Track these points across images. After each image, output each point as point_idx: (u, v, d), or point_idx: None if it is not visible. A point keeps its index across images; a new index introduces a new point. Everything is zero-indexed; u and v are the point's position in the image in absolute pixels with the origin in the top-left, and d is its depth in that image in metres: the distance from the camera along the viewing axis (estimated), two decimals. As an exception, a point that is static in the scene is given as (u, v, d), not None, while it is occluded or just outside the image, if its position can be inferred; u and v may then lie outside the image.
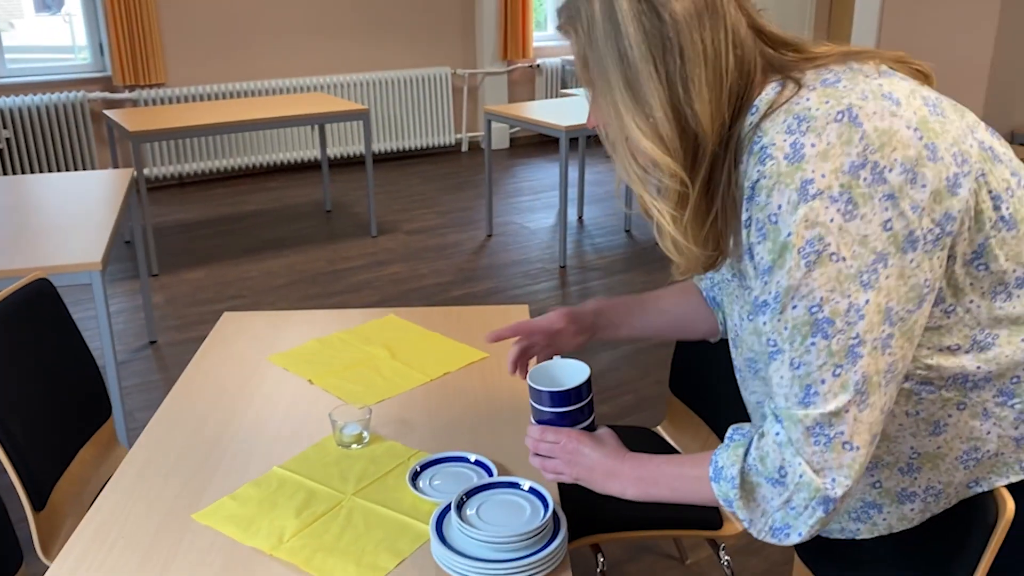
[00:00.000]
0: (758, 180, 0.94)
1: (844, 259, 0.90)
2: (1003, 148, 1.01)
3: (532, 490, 1.27)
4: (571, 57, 5.79)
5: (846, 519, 1.16)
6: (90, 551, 1.26)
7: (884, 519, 1.13)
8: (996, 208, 0.96)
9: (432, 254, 4.77)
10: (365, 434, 1.51)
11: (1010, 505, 1.04)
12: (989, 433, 1.05)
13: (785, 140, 0.93)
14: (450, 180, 6.32)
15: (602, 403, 3.17)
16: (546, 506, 1.23)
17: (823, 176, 0.90)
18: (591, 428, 1.22)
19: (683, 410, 2.02)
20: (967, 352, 1.00)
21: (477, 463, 1.42)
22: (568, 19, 1.03)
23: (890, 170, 0.90)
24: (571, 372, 1.26)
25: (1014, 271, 0.98)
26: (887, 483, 1.11)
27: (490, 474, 1.39)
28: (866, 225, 0.90)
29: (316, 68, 6.43)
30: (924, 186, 0.91)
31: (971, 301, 0.98)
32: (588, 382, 1.21)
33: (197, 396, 1.69)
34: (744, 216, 0.98)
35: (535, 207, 5.63)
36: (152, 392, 3.29)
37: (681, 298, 1.43)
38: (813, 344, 0.93)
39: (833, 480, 0.96)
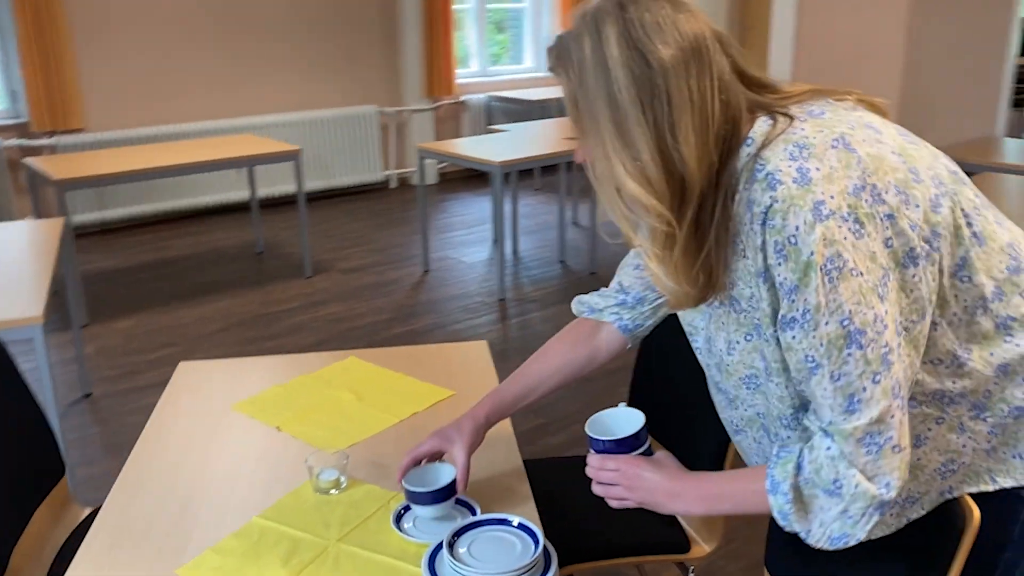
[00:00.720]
0: (771, 205, 0.99)
1: (862, 273, 0.96)
2: (962, 173, 1.09)
3: (521, 526, 1.29)
4: (497, 93, 5.89)
5: None
6: (72, 615, 1.23)
7: None
8: (969, 225, 1.04)
9: (369, 292, 4.76)
10: (343, 479, 1.51)
11: (976, 513, 1.12)
12: (964, 446, 1.12)
13: (790, 166, 0.98)
14: (381, 217, 6.31)
15: (551, 435, 3.21)
16: (536, 541, 1.25)
17: (832, 197, 0.96)
18: (648, 453, 1.26)
19: (642, 438, 2.07)
20: (947, 367, 1.07)
21: (459, 501, 1.43)
22: (559, 61, 1.07)
23: (887, 192, 0.97)
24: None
25: (988, 284, 1.05)
26: None
27: (473, 512, 1.41)
28: (872, 243, 0.96)
29: (240, 109, 6.38)
30: (917, 206, 0.99)
31: (954, 314, 1.05)
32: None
33: (163, 450, 1.67)
34: (758, 241, 1.01)
35: (469, 241, 5.68)
36: (90, 447, 3.19)
37: (566, 349, 1.51)
38: (850, 355, 0.98)
39: (887, 484, 1.01)
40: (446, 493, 1.36)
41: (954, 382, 1.08)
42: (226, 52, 6.22)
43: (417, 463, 1.44)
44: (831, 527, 1.05)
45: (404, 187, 7.24)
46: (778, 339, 1.06)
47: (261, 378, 1.97)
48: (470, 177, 7.56)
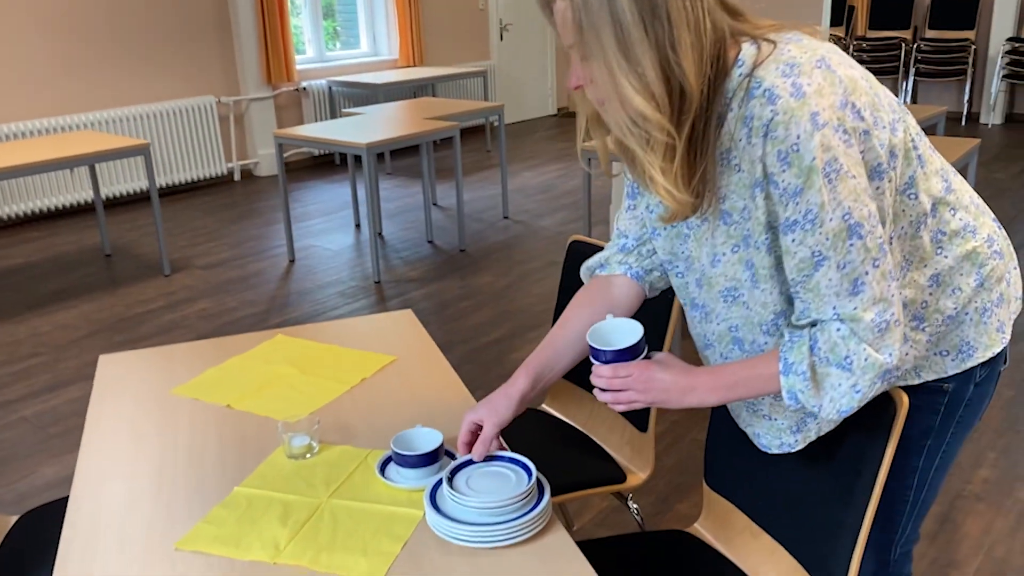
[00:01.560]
0: (772, 118, 1.10)
1: (855, 176, 1.10)
2: (903, 104, 1.26)
3: (513, 459, 1.39)
4: (336, 78, 5.84)
5: (787, 433, 1.37)
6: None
7: (816, 424, 1.34)
8: (915, 148, 1.21)
9: (236, 286, 4.66)
10: (314, 444, 1.55)
11: (905, 399, 1.31)
12: (907, 355, 1.31)
13: (784, 82, 1.10)
14: (231, 211, 6.15)
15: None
16: (529, 473, 1.36)
17: (824, 110, 1.08)
18: (647, 356, 1.33)
19: (565, 385, 2.20)
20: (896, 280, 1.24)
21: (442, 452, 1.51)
22: None
23: (863, 110, 1.11)
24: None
25: (927, 202, 1.24)
26: None
27: (451, 455, 1.49)
28: (856, 152, 1.10)
29: (70, 106, 6.01)
30: (884, 127, 1.14)
31: (902, 228, 1.22)
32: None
33: (113, 440, 1.64)
34: (757, 152, 1.12)
35: (329, 228, 5.64)
36: (-33, 467, 3.00)
37: (583, 312, 1.50)
38: (852, 245, 1.12)
39: (891, 353, 1.16)
40: (431, 458, 1.43)
41: (901, 294, 1.25)
42: (53, 46, 5.84)
43: (474, 433, 1.45)
44: (841, 401, 1.17)
45: (248, 179, 7.06)
46: (769, 246, 1.19)
47: (191, 363, 1.95)
48: (318, 165, 7.47)
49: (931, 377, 1.34)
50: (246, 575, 1.25)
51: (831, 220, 1.11)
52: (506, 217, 5.70)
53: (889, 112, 1.18)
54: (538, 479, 1.37)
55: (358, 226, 5.64)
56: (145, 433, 1.65)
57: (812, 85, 1.10)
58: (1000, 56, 8.18)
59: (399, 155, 7.75)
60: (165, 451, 1.59)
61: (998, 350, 1.35)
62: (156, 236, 5.48)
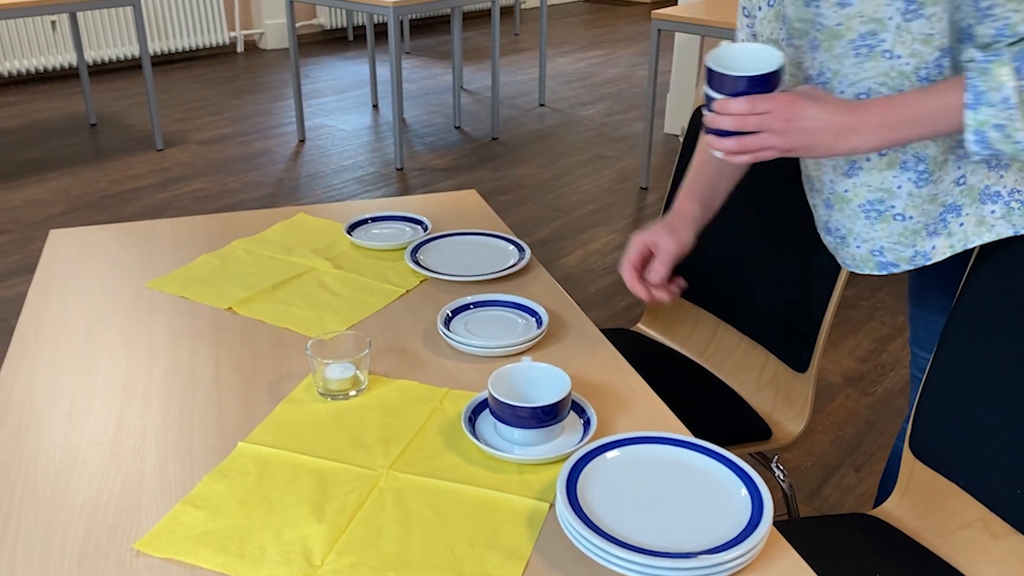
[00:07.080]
0: None
1: None
2: None
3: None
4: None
5: (921, 236, 1.05)
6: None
7: (961, 224, 1.03)
8: None
9: (239, 165, 4.07)
10: (362, 377, 1.01)
11: None
12: None
13: None
14: (233, 84, 5.49)
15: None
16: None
17: None
18: None
19: (672, 301, 1.66)
20: None
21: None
22: None
23: None
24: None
25: None
26: (971, 178, 1.00)
27: (587, 422, 0.95)
28: None
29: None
30: None
31: None
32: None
33: (48, 364, 1.10)
34: None
35: (343, 108, 5.00)
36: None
37: None
38: None
39: None
40: (553, 412, 0.90)
41: None
42: None
43: (643, 260, 1.16)
44: None
45: (252, 51, 6.36)
46: None
47: (177, 247, 1.40)
48: (328, 40, 6.76)
49: None
50: (257, 611, 0.72)
51: None
52: (542, 104, 5.06)
53: None
54: (756, 486, 0.83)
55: (375, 107, 5.00)
56: (99, 349, 1.11)
57: None
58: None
59: (419, 33, 7.04)
60: (129, 379, 1.05)
61: None
62: (148, 106, 4.86)
